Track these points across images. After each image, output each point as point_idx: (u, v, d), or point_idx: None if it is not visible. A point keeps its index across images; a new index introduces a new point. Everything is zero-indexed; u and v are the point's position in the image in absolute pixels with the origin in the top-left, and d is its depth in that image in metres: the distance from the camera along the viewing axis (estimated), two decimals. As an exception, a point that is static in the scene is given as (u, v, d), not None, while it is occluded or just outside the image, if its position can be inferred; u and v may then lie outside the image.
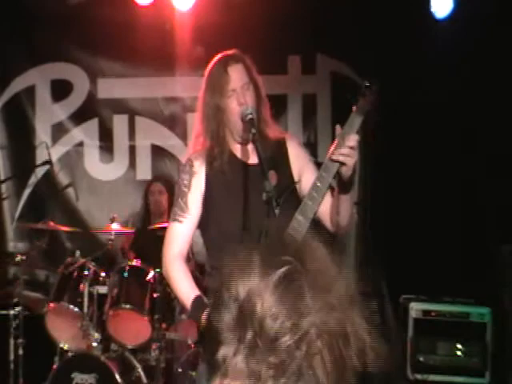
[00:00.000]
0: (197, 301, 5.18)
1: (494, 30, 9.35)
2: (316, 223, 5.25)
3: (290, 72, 10.33)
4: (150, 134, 10.38)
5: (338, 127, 5.07)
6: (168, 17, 9.54)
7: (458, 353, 8.51)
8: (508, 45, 9.33)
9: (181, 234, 5.41)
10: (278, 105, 9.52)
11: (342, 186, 5.09)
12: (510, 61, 9.33)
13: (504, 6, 9.23)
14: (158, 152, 10.32)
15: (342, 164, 4.93)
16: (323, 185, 5.04)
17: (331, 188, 5.18)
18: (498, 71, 9.42)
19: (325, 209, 5.25)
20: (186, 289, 5.29)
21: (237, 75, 5.34)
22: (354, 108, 5.05)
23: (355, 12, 9.51)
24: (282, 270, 2.99)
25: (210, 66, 5.46)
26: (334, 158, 4.93)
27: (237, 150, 5.41)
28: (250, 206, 5.29)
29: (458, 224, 9.51)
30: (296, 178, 5.37)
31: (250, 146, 5.33)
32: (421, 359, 8.51)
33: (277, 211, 4.80)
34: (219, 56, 5.45)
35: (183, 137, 10.01)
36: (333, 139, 5.04)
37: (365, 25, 9.54)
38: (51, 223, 9.27)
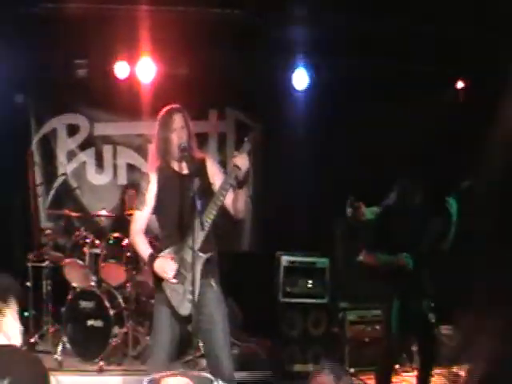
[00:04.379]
0: (150, 257, 5.31)
1: (339, 101, 9.53)
2: (222, 208, 5.38)
3: (210, 119, 10.41)
4: (126, 156, 10.42)
5: (235, 153, 5.25)
6: (137, 85, 9.52)
7: (310, 285, 8.61)
8: (349, 110, 9.53)
9: (140, 217, 5.57)
10: (203, 139, 9.69)
11: (239, 184, 5.24)
12: (352, 120, 9.53)
13: (345, 84, 9.38)
14: (130, 168, 10.37)
15: (238, 169, 5.09)
16: (227, 184, 5.25)
17: (233, 186, 5.31)
18: (342, 129, 9.65)
19: (229, 200, 5.37)
20: (144, 250, 5.45)
21: (178, 120, 5.50)
22: (246, 139, 5.24)
23: (249, 82, 9.55)
24: None
25: (161, 113, 5.59)
26: (234, 165, 5.20)
27: (175, 165, 5.52)
28: (183, 200, 5.39)
29: (311, 207, 9.65)
30: (211, 181, 5.48)
31: (184, 163, 5.43)
32: (288, 290, 8.57)
33: (198, 202, 4.96)
34: (167, 108, 5.61)
35: (146, 158, 10.04)
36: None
37: (253, 91, 9.63)
38: (67, 211, 9.40)
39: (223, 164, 9.51)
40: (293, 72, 9.48)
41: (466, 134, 9.16)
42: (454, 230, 6.55)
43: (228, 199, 5.42)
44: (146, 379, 4.43)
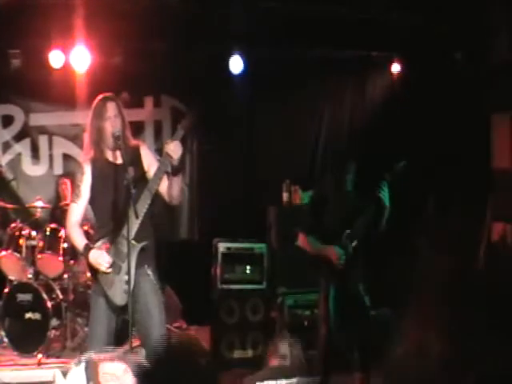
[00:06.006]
0: (85, 247, 5.26)
1: (274, 87, 9.57)
2: (157, 196, 5.36)
3: (146, 106, 10.30)
4: (62, 146, 10.20)
5: (168, 140, 5.30)
6: (72, 75, 9.37)
7: (248, 271, 8.60)
8: (284, 96, 9.57)
9: (75, 209, 5.53)
10: (139, 127, 9.64)
11: (173, 171, 5.22)
12: (288, 105, 9.61)
13: (280, 69, 9.38)
14: (66, 157, 10.17)
15: (170, 157, 5.08)
16: (160, 172, 5.30)
17: (167, 173, 5.32)
18: (278, 114, 9.72)
19: (163, 188, 5.36)
20: (79, 242, 5.44)
21: (111, 108, 5.46)
22: (179, 126, 5.24)
23: (185, 68, 9.53)
24: None
25: (95, 101, 5.54)
26: (166, 152, 5.25)
27: (109, 154, 5.51)
28: (117, 189, 5.38)
29: (248, 193, 9.69)
30: (146, 169, 5.47)
31: (118, 152, 5.39)
32: (226, 276, 8.53)
33: (133, 191, 4.96)
34: (101, 96, 5.59)
35: (82, 148, 9.82)
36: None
37: (188, 78, 9.59)
38: (2, 203, 9.23)
39: (160, 152, 9.42)
40: (228, 58, 9.39)
41: (399, 117, 9.28)
42: (386, 215, 6.55)
43: (163, 187, 5.42)
44: (81, 358, 4.09)
